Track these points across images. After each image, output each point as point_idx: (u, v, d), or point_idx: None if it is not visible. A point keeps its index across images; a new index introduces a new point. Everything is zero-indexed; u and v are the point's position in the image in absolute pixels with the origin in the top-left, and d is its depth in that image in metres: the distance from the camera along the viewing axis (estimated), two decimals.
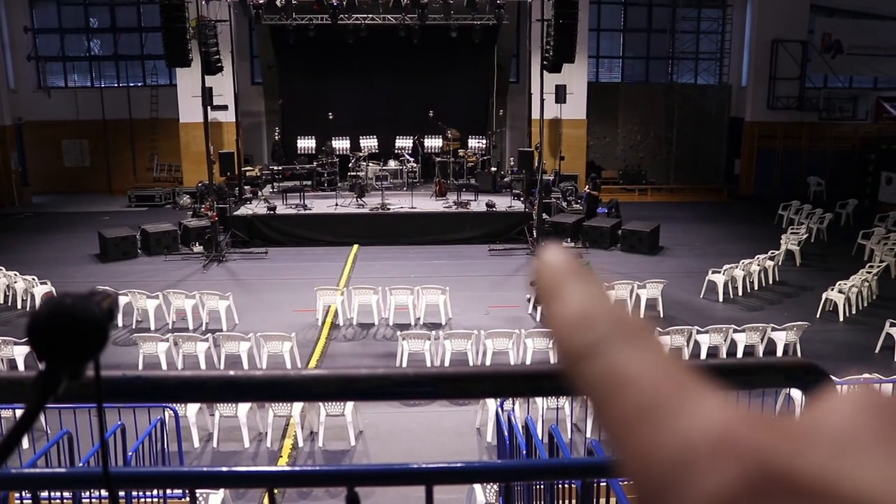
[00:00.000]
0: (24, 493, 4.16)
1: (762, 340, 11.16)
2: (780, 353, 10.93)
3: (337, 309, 12.88)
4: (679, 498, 0.32)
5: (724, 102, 26.64)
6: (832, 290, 13.48)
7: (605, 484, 4.61)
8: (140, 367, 10.38)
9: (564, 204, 20.90)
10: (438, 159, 20.94)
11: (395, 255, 17.00)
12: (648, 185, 25.56)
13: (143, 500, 5.72)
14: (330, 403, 8.60)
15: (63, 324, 0.61)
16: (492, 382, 1.09)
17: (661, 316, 12.94)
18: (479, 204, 18.85)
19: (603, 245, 18.04)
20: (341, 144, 21.56)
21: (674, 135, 26.19)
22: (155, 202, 23.42)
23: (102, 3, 25.85)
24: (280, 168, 21.15)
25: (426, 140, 21.73)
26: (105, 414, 5.59)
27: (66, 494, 4.90)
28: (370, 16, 20.39)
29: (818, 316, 13.19)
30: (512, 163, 21.81)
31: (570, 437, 8.52)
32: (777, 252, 15.88)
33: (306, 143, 22.02)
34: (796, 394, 7.90)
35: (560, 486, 4.92)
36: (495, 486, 6.27)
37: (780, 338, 11.11)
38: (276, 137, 22.26)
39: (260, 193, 20.22)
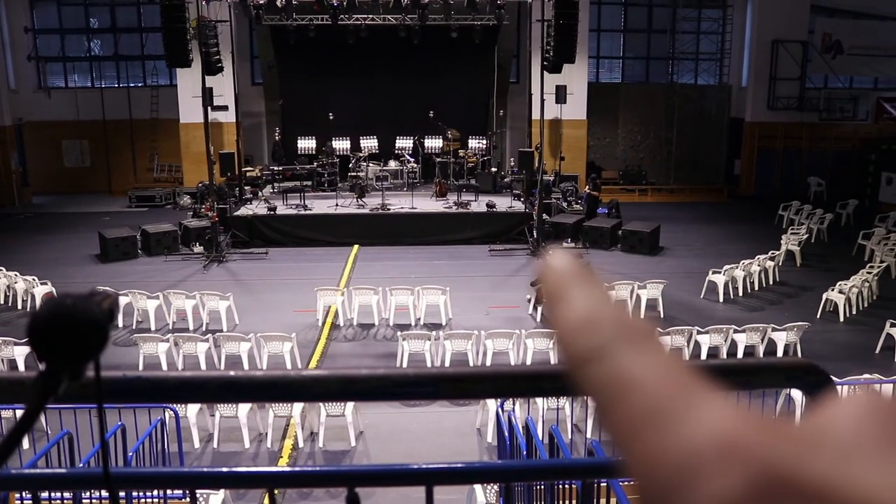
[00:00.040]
0: (24, 494, 4.16)
1: (762, 341, 11.16)
2: (780, 353, 10.92)
3: (337, 309, 12.88)
4: (685, 502, 0.32)
5: (725, 103, 26.64)
6: (832, 290, 13.47)
7: (605, 484, 4.60)
8: (140, 367, 10.38)
9: (565, 204, 20.90)
10: (439, 160, 20.94)
11: (395, 255, 17.00)
12: (648, 185, 25.57)
13: (143, 500, 5.72)
14: (330, 404, 8.60)
15: (63, 324, 0.61)
16: (492, 383, 1.09)
17: (662, 316, 12.94)
18: (479, 204, 18.86)
19: (603, 245, 18.03)
20: (341, 145, 21.56)
21: (674, 135, 26.20)
22: (155, 202, 23.42)
23: (103, 3, 25.87)
24: (280, 168, 21.15)
25: (426, 140, 21.74)
26: (105, 414, 5.59)
27: (66, 495, 4.90)
28: (370, 16, 20.39)
29: (818, 316, 13.18)
30: (512, 163, 21.81)
31: (570, 437, 8.51)
32: (777, 252, 15.88)
33: (306, 144, 22.02)
34: (797, 394, 7.90)
35: (560, 486, 4.92)
36: (496, 487, 6.27)
37: (781, 338, 11.11)
38: (277, 138, 22.26)
39: (260, 194, 20.22)
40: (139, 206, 23.26)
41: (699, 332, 10.94)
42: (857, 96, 25.69)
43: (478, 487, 6.45)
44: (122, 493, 3.85)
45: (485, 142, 22.03)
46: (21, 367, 10.22)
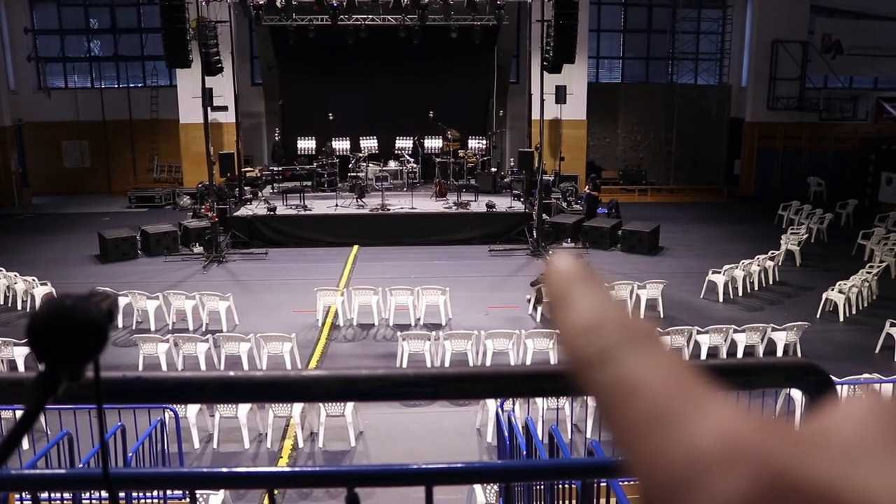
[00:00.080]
0: (24, 494, 4.16)
1: (762, 341, 11.16)
2: (780, 353, 10.92)
3: (337, 309, 12.88)
4: None
5: (724, 103, 26.64)
6: (832, 290, 13.48)
7: (605, 484, 4.60)
8: (140, 367, 10.38)
9: (564, 204, 20.91)
10: (438, 160, 20.94)
11: (395, 255, 17.00)
12: (648, 185, 25.57)
13: (143, 501, 5.72)
14: (330, 404, 8.60)
15: (62, 325, 0.61)
16: (492, 383, 1.09)
17: (662, 316, 12.94)
18: (479, 204, 18.86)
19: (603, 245, 18.03)
20: (341, 145, 21.57)
21: (674, 135, 26.20)
22: (155, 203, 23.42)
23: (102, 3, 25.87)
24: (280, 169, 21.15)
25: (426, 141, 21.74)
26: (105, 415, 5.59)
27: (66, 495, 4.90)
28: (370, 16, 20.40)
29: (818, 316, 13.19)
30: (512, 163, 21.81)
31: (570, 437, 8.51)
32: (777, 252, 15.88)
33: (306, 144, 22.02)
34: (796, 394, 7.90)
35: (560, 486, 4.92)
36: (495, 487, 6.27)
37: (781, 338, 11.11)
38: (277, 138, 22.26)
39: (260, 194, 20.23)
40: (139, 206, 23.26)
41: (699, 332, 10.94)
42: (857, 96, 25.69)
43: (478, 487, 6.45)
44: (121, 494, 3.85)
45: (484, 142, 22.03)
46: (21, 367, 10.22)
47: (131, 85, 26.34)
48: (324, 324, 12.77)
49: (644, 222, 18.61)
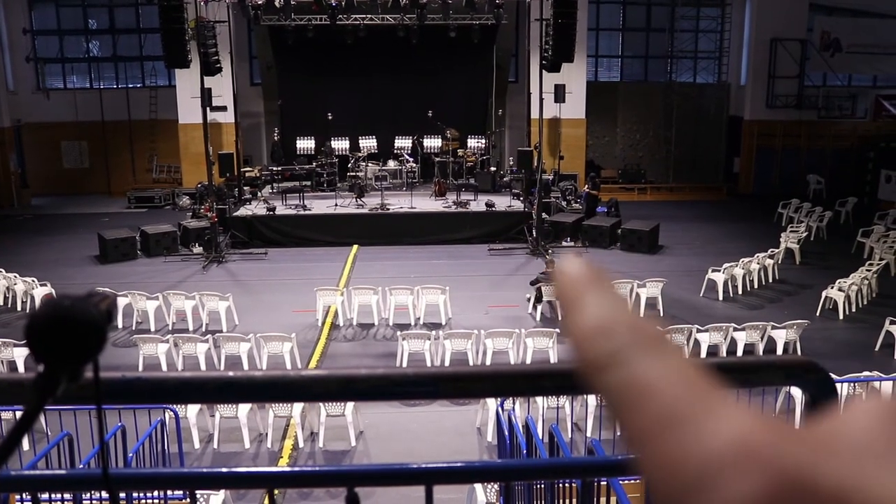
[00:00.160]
0: (24, 495, 4.16)
1: (762, 339, 11.16)
2: (780, 351, 10.93)
3: (337, 309, 12.88)
4: None
5: (723, 101, 26.64)
6: (832, 288, 13.48)
7: (605, 483, 4.61)
8: (140, 368, 10.38)
9: (564, 203, 20.91)
10: (438, 159, 20.94)
11: (394, 255, 17.00)
12: (648, 184, 25.56)
13: (143, 501, 5.72)
14: (330, 404, 8.60)
15: (61, 325, 0.61)
16: (492, 382, 1.09)
17: (661, 315, 12.94)
18: (478, 204, 18.86)
19: (602, 244, 18.04)
20: (340, 145, 21.56)
21: (673, 134, 26.19)
22: (154, 203, 23.41)
23: (101, 4, 25.85)
24: (279, 169, 21.15)
25: (425, 140, 21.73)
26: (105, 415, 5.59)
27: (66, 496, 4.90)
28: (369, 16, 20.39)
29: (818, 314, 13.19)
30: (511, 162, 21.80)
31: (570, 436, 8.52)
32: (777, 250, 15.88)
33: (305, 144, 22.01)
34: (796, 392, 7.90)
35: (560, 485, 4.92)
36: (496, 486, 6.27)
37: (780, 336, 11.12)
38: (276, 138, 22.25)
39: (259, 194, 20.22)
40: (138, 206, 23.25)
41: (699, 331, 10.94)
42: (856, 94, 25.69)
43: (478, 487, 6.45)
44: (122, 494, 3.85)
45: (484, 141, 22.02)
46: (21, 368, 10.22)
47: (130, 85, 26.32)
48: (324, 323, 12.77)
49: (643, 221, 18.62)
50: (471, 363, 10.06)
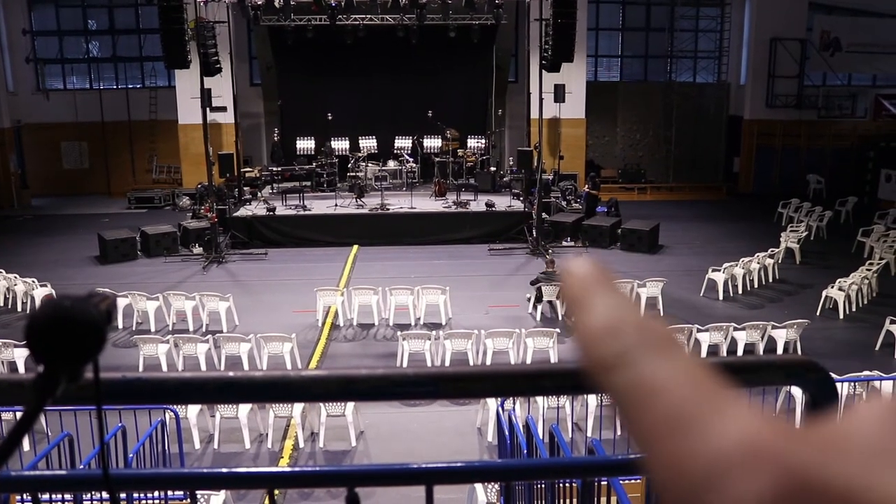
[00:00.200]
0: (25, 496, 4.16)
1: (762, 338, 11.16)
2: (780, 350, 10.93)
3: (337, 309, 12.88)
4: None
5: (723, 101, 26.64)
6: (832, 287, 13.48)
7: (605, 483, 4.61)
8: (140, 368, 10.38)
9: (564, 203, 20.91)
10: (438, 159, 20.93)
11: (394, 255, 17.00)
12: (648, 183, 25.56)
13: (143, 501, 5.72)
14: (330, 404, 8.60)
15: (61, 326, 0.61)
16: (492, 382, 1.09)
17: (661, 314, 12.94)
18: (478, 204, 18.86)
19: (602, 244, 18.04)
20: (340, 145, 21.56)
21: (673, 133, 26.19)
22: (154, 204, 23.41)
23: (101, 5, 25.85)
24: (279, 169, 21.15)
25: (425, 140, 21.73)
26: (105, 416, 5.59)
27: (67, 497, 4.90)
28: (368, 16, 20.39)
29: (818, 314, 13.19)
30: (511, 162, 21.80)
31: (570, 436, 8.52)
32: (777, 250, 15.88)
33: (305, 144, 22.01)
34: (797, 392, 7.90)
35: (561, 485, 4.92)
36: (496, 486, 6.27)
37: (781, 336, 11.11)
38: (276, 138, 22.25)
39: (259, 194, 20.22)
40: (138, 207, 23.25)
41: (699, 331, 10.94)
42: (856, 93, 25.68)
43: (478, 486, 6.45)
44: (122, 495, 3.85)
45: (484, 141, 22.02)
46: (21, 369, 10.22)
47: (130, 86, 26.33)
48: (324, 324, 12.77)
49: (643, 220, 18.62)
50: (471, 363, 10.07)
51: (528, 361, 9.97)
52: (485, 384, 1.10)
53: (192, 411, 8.69)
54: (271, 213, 18.27)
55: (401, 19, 20.32)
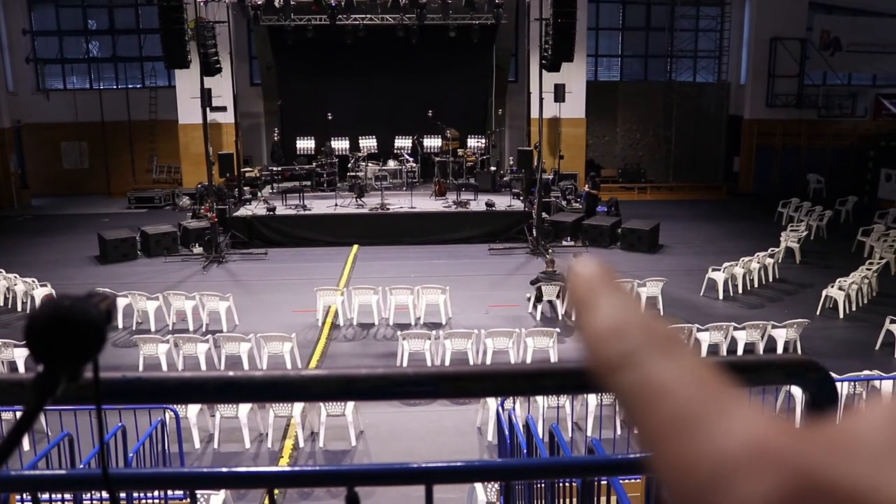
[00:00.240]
0: (25, 495, 4.16)
1: (762, 338, 11.16)
2: (780, 350, 10.93)
3: (337, 309, 12.88)
4: None
5: (723, 100, 26.63)
6: (832, 287, 13.48)
7: (605, 482, 4.61)
8: (140, 368, 10.38)
9: (564, 203, 20.91)
10: (438, 159, 20.93)
11: (394, 255, 17.00)
12: (648, 183, 25.56)
13: (143, 501, 5.72)
14: (330, 404, 8.60)
15: (60, 325, 0.61)
16: (492, 381, 1.09)
17: (661, 314, 12.92)
18: (478, 203, 18.86)
19: (602, 244, 18.04)
20: (340, 145, 21.56)
21: (673, 133, 26.19)
22: (154, 204, 23.41)
23: (101, 5, 25.84)
24: (279, 169, 21.15)
25: (425, 140, 21.73)
26: (105, 415, 5.59)
27: (66, 496, 4.90)
28: (368, 16, 20.39)
29: (818, 313, 13.19)
30: (511, 162, 21.80)
31: (570, 435, 8.52)
32: (777, 249, 15.88)
33: (305, 144, 22.01)
34: (796, 391, 7.90)
35: (561, 484, 4.92)
36: (496, 486, 6.27)
37: (781, 335, 11.12)
38: (276, 138, 22.25)
39: (259, 194, 20.22)
40: (138, 207, 23.25)
41: (699, 330, 10.94)
42: (856, 93, 25.68)
43: (478, 486, 6.45)
44: (122, 494, 3.85)
45: (484, 141, 22.02)
46: (21, 369, 10.22)
47: (130, 86, 26.33)
48: (324, 323, 12.78)
49: (643, 220, 18.62)
50: (471, 363, 10.07)
51: (528, 361, 9.97)
52: (485, 384, 1.10)
53: (192, 411, 8.69)
54: (271, 212, 18.27)
55: (401, 19, 20.32)
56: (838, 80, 25.55)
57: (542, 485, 5.12)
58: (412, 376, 1.06)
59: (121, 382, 1.02)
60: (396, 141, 22.21)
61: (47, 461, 6.25)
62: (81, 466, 6.20)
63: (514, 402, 7.62)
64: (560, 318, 12.90)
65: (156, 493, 5.56)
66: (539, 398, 7.69)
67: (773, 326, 11.22)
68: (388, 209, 18.40)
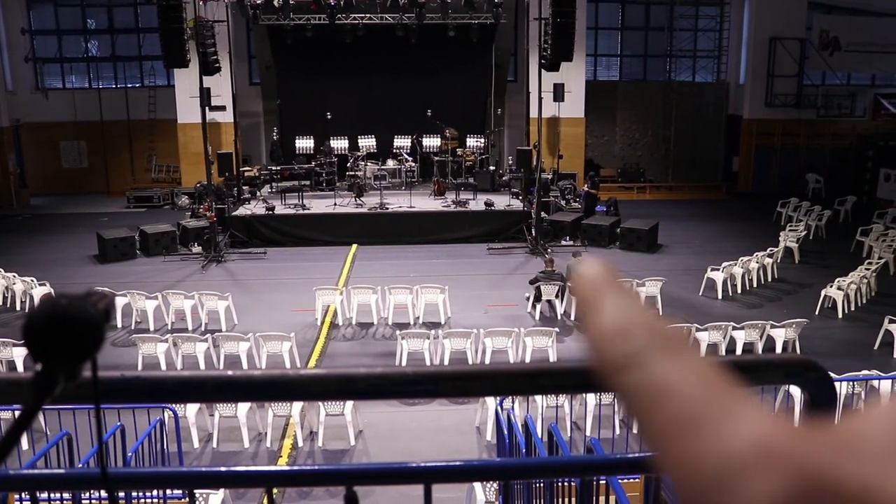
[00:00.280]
0: (23, 494, 4.15)
1: (761, 338, 11.17)
2: (779, 350, 10.93)
3: (336, 308, 12.88)
4: None
5: (722, 100, 26.64)
6: (831, 286, 13.48)
7: (604, 482, 4.61)
8: (139, 367, 10.38)
9: (563, 202, 20.91)
10: (437, 158, 20.92)
11: (393, 254, 17.00)
12: (647, 183, 25.57)
13: (142, 500, 5.72)
14: (329, 403, 8.60)
15: (59, 324, 0.61)
16: (491, 381, 1.09)
17: (660, 314, 12.93)
18: (477, 203, 18.86)
19: (602, 243, 18.04)
20: (340, 144, 21.55)
21: (672, 133, 26.19)
22: (153, 203, 23.40)
23: (100, 4, 25.83)
24: (278, 168, 21.14)
25: (424, 139, 21.72)
26: (104, 415, 5.59)
27: (65, 495, 4.90)
28: (368, 15, 20.38)
29: (817, 313, 13.19)
30: (510, 161, 21.81)
31: (569, 435, 8.52)
32: (776, 249, 15.89)
33: (304, 143, 22.00)
34: (795, 391, 7.91)
35: (559, 484, 4.92)
36: (495, 485, 6.27)
37: (780, 335, 11.12)
38: (275, 137, 22.24)
39: (258, 194, 20.21)
40: (137, 206, 23.24)
41: (698, 330, 10.94)
42: (855, 93, 25.69)
43: (477, 486, 6.45)
44: (121, 494, 3.85)
45: (483, 140, 22.02)
46: (20, 368, 10.21)
47: (129, 85, 26.31)
48: (323, 323, 12.78)
49: (642, 220, 18.62)
50: (470, 362, 10.07)
51: (527, 360, 9.98)
52: (484, 383, 1.10)
53: (190, 410, 8.69)
54: (270, 212, 18.26)
55: (400, 18, 20.32)
56: (837, 80, 25.56)
57: (541, 484, 5.12)
58: (411, 375, 1.06)
59: (119, 382, 1.02)
60: (395, 140, 22.20)
61: (46, 460, 6.24)
62: (80, 466, 6.20)
63: (512, 402, 7.62)
64: (559, 317, 12.91)
65: (154, 492, 5.56)
66: (538, 398, 7.70)
67: (772, 326, 11.22)
68: (388, 209, 18.40)
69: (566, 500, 4.87)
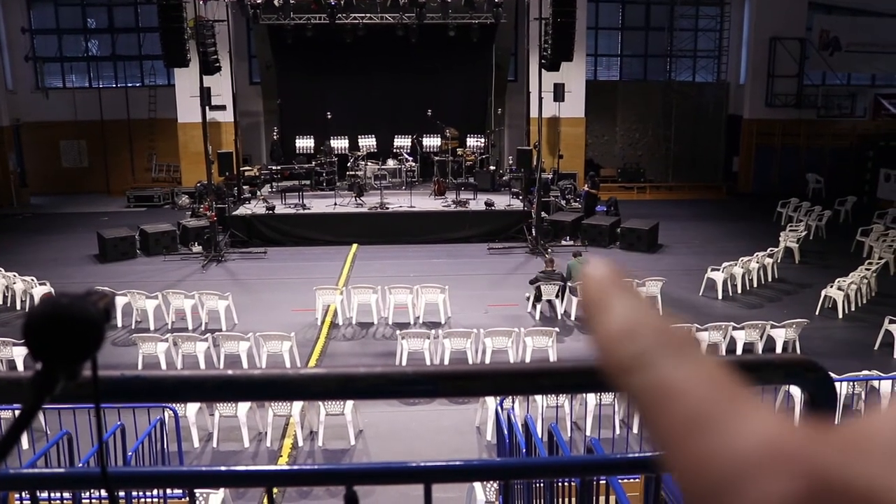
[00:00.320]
0: (23, 494, 4.16)
1: (761, 338, 11.17)
2: (779, 350, 10.93)
3: (336, 308, 12.88)
4: None
5: (723, 100, 26.63)
6: (831, 287, 13.48)
7: (604, 482, 4.61)
8: (139, 367, 10.38)
9: (563, 202, 20.91)
10: (437, 158, 20.92)
11: (394, 254, 17.00)
12: (647, 183, 25.56)
13: (142, 500, 5.72)
14: (329, 402, 8.60)
15: (59, 323, 0.61)
16: (491, 381, 1.09)
17: (660, 314, 12.92)
18: (477, 203, 18.86)
19: (602, 243, 18.04)
20: (340, 144, 21.54)
21: (672, 132, 26.19)
22: (153, 202, 23.40)
23: (100, 3, 25.82)
24: (279, 168, 21.14)
25: (425, 139, 21.72)
26: (104, 414, 5.59)
27: (65, 495, 4.90)
28: (368, 15, 20.38)
29: (817, 313, 13.19)
30: (511, 161, 21.80)
31: (569, 435, 8.52)
32: (776, 249, 15.88)
33: (305, 143, 22.00)
34: (795, 391, 7.91)
35: (559, 484, 4.92)
36: (495, 485, 6.27)
37: (780, 335, 11.12)
38: (275, 137, 22.24)
39: (259, 193, 20.21)
40: (137, 206, 23.24)
41: (698, 330, 10.93)
42: (855, 93, 25.69)
43: (477, 485, 6.45)
44: (121, 493, 3.85)
45: (483, 140, 22.02)
46: (20, 367, 10.21)
47: (129, 84, 26.31)
48: (323, 322, 12.78)
49: (643, 220, 18.62)
50: (470, 362, 10.07)
51: (527, 360, 9.98)
52: (484, 383, 1.10)
53: (191, 410, 8.69)
54: (270, 211, 18.26)
55: (400, 18, 20.32)
56: (837, 80, 25.56)
57: (541, 484, 5.12)
58: (411, 375, 1.06)
59: (120, 381, 1.02)
60: (396, 140, 22.20)
61: (46, 460, 6.24)
62: (80, 465, 6.20)
63: (513, 402, 7.62)
64: (559, 317, 12.90)
65: (155, 491, 5.56)
66: (538, 397, 7.70)
67: (772, 326, 11.22)
68: (388, 208, 18.40)
69: (566, 500, 4.87)
